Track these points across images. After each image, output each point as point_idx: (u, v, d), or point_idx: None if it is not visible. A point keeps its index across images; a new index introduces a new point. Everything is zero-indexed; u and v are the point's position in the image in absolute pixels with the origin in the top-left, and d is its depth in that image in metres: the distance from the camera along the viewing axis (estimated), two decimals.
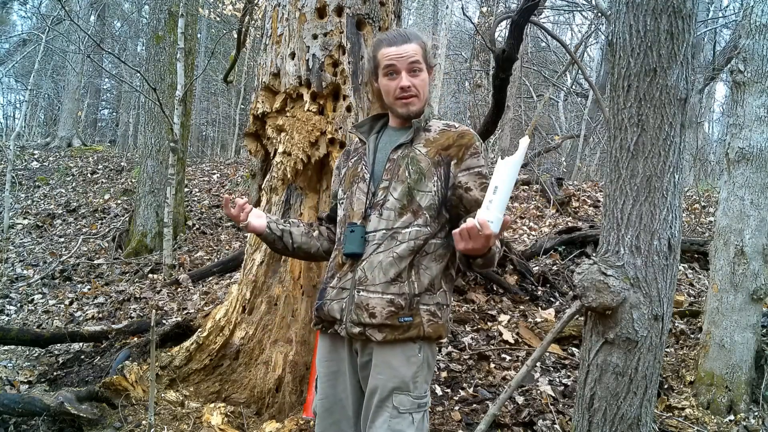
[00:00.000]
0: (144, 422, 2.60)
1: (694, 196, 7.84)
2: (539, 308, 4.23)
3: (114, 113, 21.99)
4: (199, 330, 3.17)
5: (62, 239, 7.39)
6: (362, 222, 1.69)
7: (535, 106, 13.11)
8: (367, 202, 1.70)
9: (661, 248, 1.65)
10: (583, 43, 12.66)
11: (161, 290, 5.34)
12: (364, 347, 1.67)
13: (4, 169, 8.66)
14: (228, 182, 10.05)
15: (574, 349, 3.55)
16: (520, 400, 2.94)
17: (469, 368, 3.30)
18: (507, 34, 4.33)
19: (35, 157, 11.73)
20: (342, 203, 1.79)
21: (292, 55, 2.96)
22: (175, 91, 6.39)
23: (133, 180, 9.33)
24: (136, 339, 3.67)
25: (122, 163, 11.28)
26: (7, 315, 5.03)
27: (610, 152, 1.72)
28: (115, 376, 2.82)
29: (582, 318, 1.84)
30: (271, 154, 3.10)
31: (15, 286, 5.70)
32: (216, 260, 6.13)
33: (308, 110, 2.93)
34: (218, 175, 10.68)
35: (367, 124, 1.86)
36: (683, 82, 1.61)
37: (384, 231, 1.66)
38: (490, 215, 1.37)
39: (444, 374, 3.20)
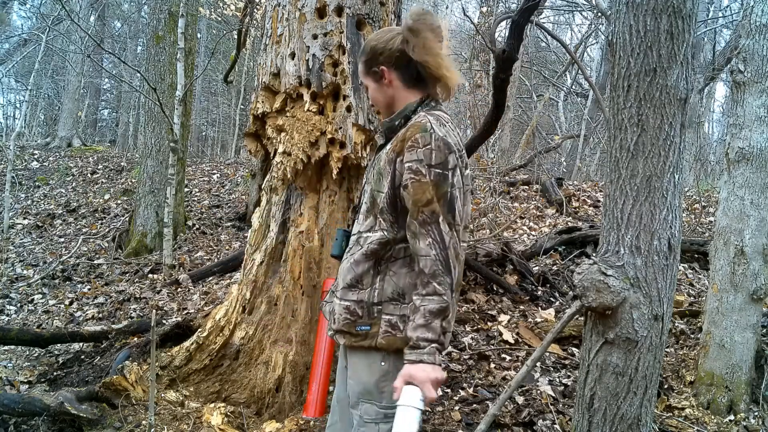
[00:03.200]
0: (144, 422, 2.59)
1: (694, 196, 7.84)
2: (539, 308, 4.23)
3: (114, 113, 21.99)
4: (199, 330, 3.17)
5: (62, 239, 7.39)
6: (351, 225, 1.72)
7: (535, 106, 13.11)
8: (356, 206, 1.77)
9: (661, 248, 1.65)
10: (583, 43, 12.66)
11: (161, 290, 5.34)
12: (344, 350, 1.70)
13: (4, 169, 8.66)
14: (228, 182, 10.05)
15: (574, 349, 3.55)
16: (520, 400, 2.94)
17: (469, 368, 3.30)
18: (507, 34, 4.33)
19: (35, 157, 11.73)
20: None
21: (292, 55, 2.96)
22: (175, 91, 6.39)
23: (133, 180, 9.33)
24: (136, 339, 3.67)
25: (122, 163, 11.28)
26: (7, 315, 5.03)
27: (610, 152, 1.72)
28: (115, 376, 2.82)
29: (582, 318, 1.85)
30: (271, 154, 3.10)
31: (15, 286, 5.69)
32: (216, 260, 6.13)
33: (308, 110, 2.93)
34: (218, 175, 10.68)
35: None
36: (683, 82, 1.62)
37: (354, 235, 1.66)
38: None
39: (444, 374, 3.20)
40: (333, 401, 1.82)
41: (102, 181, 10.10)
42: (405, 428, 1.39)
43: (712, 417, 2.95)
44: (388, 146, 1.61)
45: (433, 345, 1.44)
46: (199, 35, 11.76)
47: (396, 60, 1.63)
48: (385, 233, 1.57)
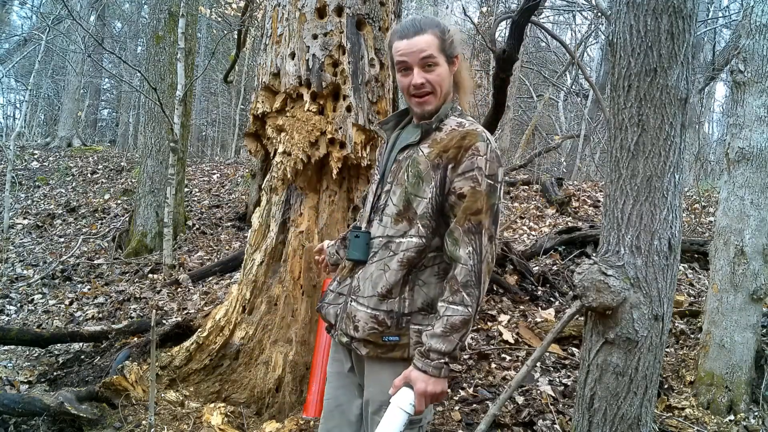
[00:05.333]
0: (144, 422, 2.59)
1: (694, 196, 7.84)
2: (539, 308, 4.23)
3: (114, 113, 21.99)
4: (199, 330, 3.17)
5: (62, 239, 7.39)
6: (367, 226, 1.61)
7: (535, 106, 13.11)
8: (372, 206, 1.62)
9: (662, 248, 1.65)
10: (583, 43, 12.66)
11: (161, 290, 5.34)
12: (357, 357, 1.62)
13: (4, 169, 8.65)
14: (228, 182, 10.05)
15: (574, 349, 3.55)
16: (520, 400, 2.94)
17: (469, 368, 3.30)
18: (507, 34, 4.33)
19: (35, 157, 11.72)
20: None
21: (292, 55, 2.96)
22: (175, 91, 6.39)
23: (133, 180, 9.33)
24: (136, 339, 3.67)
25: (122, 163, 11.28)
26: (7, 315, 5.03)
27: (611, 152, 1.72)
28: (115, 376, 2.82)
29: (582, 318, 1.84)
30: (271, 154, 3.10)
31: (15, 286, 5.69)
32: (216, 260, 6.13)
33: (308, 110, 2.93)
34: (218, 175, 10.68)
35: (393, 119, 1.73)
36: (684, 82, 1.61)
37: (380, 239, 1.56)
38: None
39: None
40: (329, 405, 1.72)
41: (102, 181, 10.10)
42: (390, 427, 1.40)
43: (712, 417, 2.95)
44: (426, 149, 1.53)
45: (444, 360, 1.40)
46: (199, 35, 11.75)
47: (461, 54, 1.58)
48: (423, 240, 1.51)
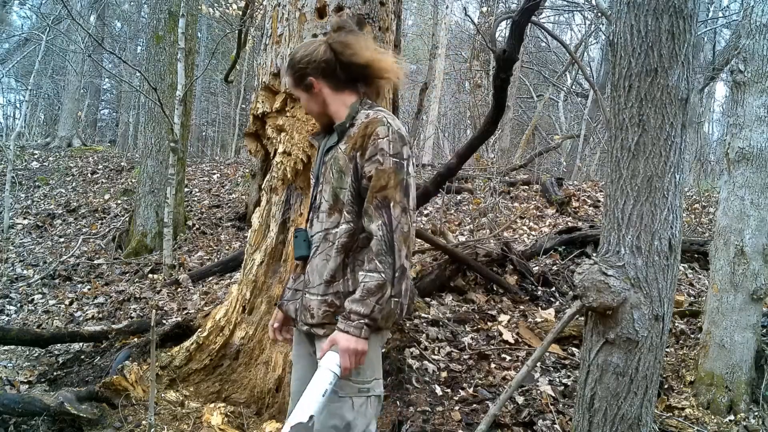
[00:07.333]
0: (144, 422, 2.59)
1: (695, 196, 7.84)
2: (539, 308, 4.23)
3: (114, 113, 21.99)
4: (199, 330, 3.17)
5: (62, 239, 7.39)
6: (308, 226, 1.81)
7: (535, 106, 13.11)
8: (311, 206, 1.81)
9: (662, 248, 1.65)
10: (583, 43, 12.66)
11: (161, 290, 5.33)
12: (318, 340, 1.75)
13: (4, 169, 8.65)
14: (228, 182, 10.05)
15: (574, 349, 3.55)
16: (520, 400, 2.94)
17: (469, 368, 3.30)
18: (508, 34, 4.33)
19: (35, 157, 11.72)
20: None
21: None
22: (175, 91, 6.39)
23: (133, 180, 9.33)
24: (136, 339, 3.66)
25: (122, 163, 11.27)
26: (7, 315, 5.02)
27: (611, 152, 1.72)
28: (115, 376, 2.82)
29: (582, 318, 1.84)
30: (271, 154, 3.10)
31: (15, 286, 5.69)
32: (216, 260, 6.13)
33: None
34: (218, 175, 10.68)
35: (323, 130, 1.89)
36: (684, 83, 1.62)
37: (319, 233, 1.74)
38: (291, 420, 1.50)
39: (444, 374, 3.20)
40: (296, 387, 1.85)
41: (102, 181, 10.10)
42: (318, 387, 1.54)
43: (712, 417, 2.95)
44: (344, 146, 1.70)
45: (363, 320, 1.55)
46: (199, 35, 11.76)
47: (323, 70, 1.74)
48: (351, 224, 1.68)
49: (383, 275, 1.56)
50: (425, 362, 3.26)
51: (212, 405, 2.83)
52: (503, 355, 3.48)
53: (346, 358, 1.56)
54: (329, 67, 1.73)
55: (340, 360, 1.56)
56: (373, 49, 1.76)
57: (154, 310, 4.62)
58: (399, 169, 1.62)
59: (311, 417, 1.50)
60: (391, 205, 1.59)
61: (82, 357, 3.62)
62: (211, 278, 5.53)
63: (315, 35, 2.91)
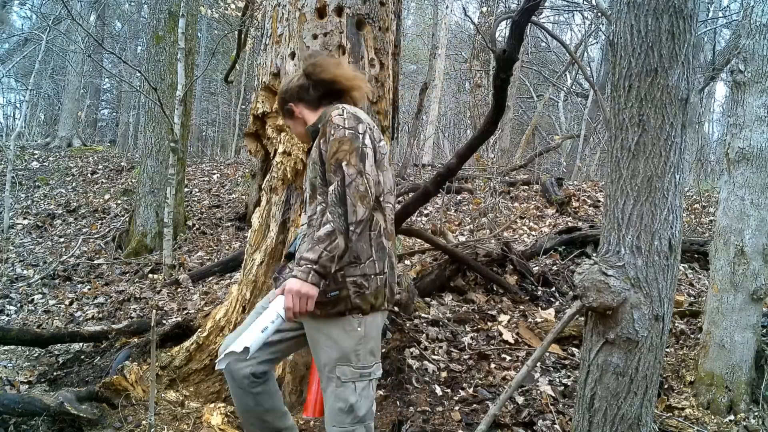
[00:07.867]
0: (144, 422, 2.59)
1: (695, 196, 7.84)
2: (539, 308, 4.23)
3: (114, 113, 21.98)
4: (199, 330, 3.17)
5: (62, 239, 7.39)
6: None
7: (535, 106, 13.11)
8: (302, 203, 2.03)
9: (662, 248, 1.65)
10: (583, 43, 12.66)
11: (161, 290, 5.33)
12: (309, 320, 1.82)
13: (4, 169, 8.65)
14: (228, 182, 10.05)
15: (574, 349, 3.54)
16: (520, 400, 2.94)
17: (469, 368, 3.30)
18: (507, 34, 4.32)
19: (35, 157, 11.72)
20: None
21: (292, 55, 2.95)
22: (175, 91, 6.39)
23: (133, 180, 9.32)
24: (136, 339, 3.66)
25: (122, 163, 11.27)
26: (7, 315, 5.02)
27: (611, 152, 1.72)
28: (115, 376, 2.82)
29: (582, 318, 1.84)
30: (271, 154, 3.10)
31: (15, 286, 5.69)
32: (216, 260, 6.13)
33: None
34: (218, 175, 10.68)
35: (311, 138, 2.02)
36: (684, 83, 1.61)
37: (305, 224, 1.91)
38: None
39: (444, 374, 3.20)
40: (238, 330, 1.91)
41: (102, 181, 10.10)
42: (260, 323, 1.66)
43: (712, 417, 2.95)
44: (317, 142, 1.85)
45: (310, 266, 1.64)
46: (199, 35, 11.75)
47: (297, 94, 1.96)
48: (323, 205, 1.78)
49: (332, 224, 1.65)
50: (425, 362, 3.26)
51: (212, 405, 2.83)
52: (503, 355, 3.48)
53: (290, 298, 1.64)
54: (303, 89, 1.94)
55: (284, 301, 1.65)
56: (340, 65, 1.99)
57: (154, 310, 4.62)
58: (354, 138, 1.72)
59: (246, 348, 1.61)
60: (344, 164, 1.68)
61: (82, 357, 3.62)
62: (211, 278, 5.53)
63: (315, 35, 2.91)
